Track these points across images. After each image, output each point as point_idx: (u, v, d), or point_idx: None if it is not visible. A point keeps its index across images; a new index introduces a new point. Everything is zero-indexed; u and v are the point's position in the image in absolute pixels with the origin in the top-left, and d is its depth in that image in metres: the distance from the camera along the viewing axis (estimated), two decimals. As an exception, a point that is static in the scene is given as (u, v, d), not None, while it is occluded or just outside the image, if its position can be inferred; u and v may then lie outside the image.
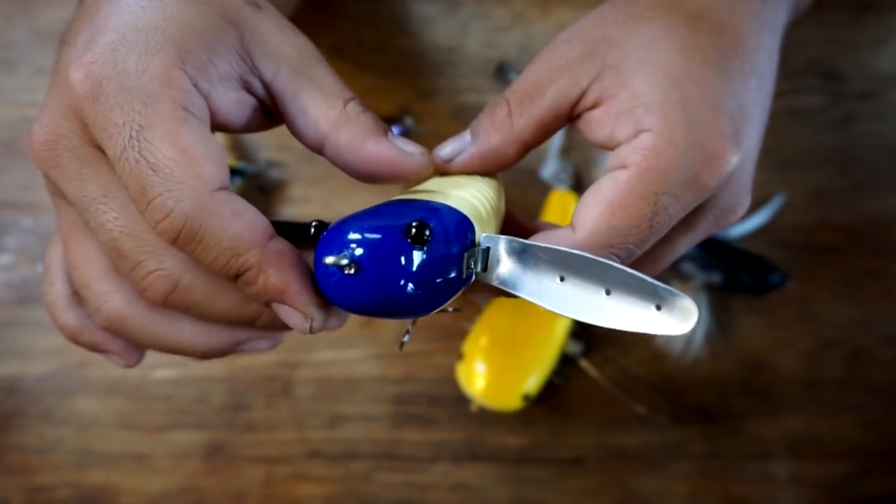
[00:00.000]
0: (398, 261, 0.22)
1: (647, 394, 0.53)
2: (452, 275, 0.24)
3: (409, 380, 0.53)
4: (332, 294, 0.23)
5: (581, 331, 0.53)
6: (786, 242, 0.53)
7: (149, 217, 0.23)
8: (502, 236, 0.25)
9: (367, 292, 0.23)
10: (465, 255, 0.24)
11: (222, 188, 0.23)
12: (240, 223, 0.23)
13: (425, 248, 0.23)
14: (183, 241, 0.23)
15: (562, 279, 0.24)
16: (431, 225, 0.23)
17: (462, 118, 0.55)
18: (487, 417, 0.52)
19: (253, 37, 0.27)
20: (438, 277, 0.23)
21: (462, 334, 0.53)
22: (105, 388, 0.53)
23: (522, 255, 0.25)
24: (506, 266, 0.25)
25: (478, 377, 0.50)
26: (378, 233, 0.23)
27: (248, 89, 0.27)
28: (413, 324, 0.29)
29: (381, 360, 0.53)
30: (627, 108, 0.27)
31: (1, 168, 0.55)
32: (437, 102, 0.55)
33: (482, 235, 0.26)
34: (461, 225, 0.25)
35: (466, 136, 0.30)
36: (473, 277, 0.26)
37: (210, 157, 0.23)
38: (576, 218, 0.27)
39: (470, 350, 0.51)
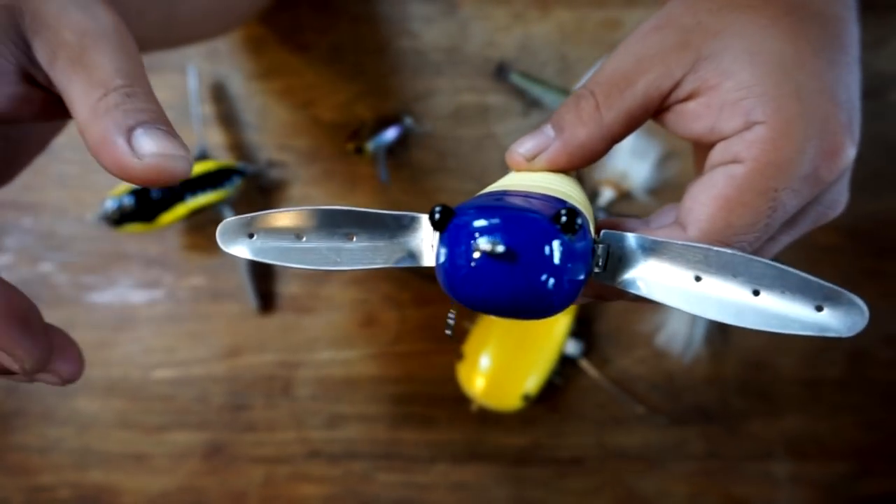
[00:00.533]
0: (550, 251, 0.21)
1: (647, 394, 0.53)
2: (582, 275, 0.22)
3: (408, 380, 0.53)
4: (463, 285, 0.21)
5: (581, 331, 0.53)
6: (786, 242, 0.53)
7: None
8: (628, 233, 0.23)
9: (510, 283, 0.21)
10: (592, 252, 0.23)
11: None
12: None
13: (573, 239, 0.21)
14: None
15: (698, 279, 0.23)
16: (580, 214, 0.21)
17: (462, 118, 0.55)
18: (487, 417, 0.52)
19: (33, 22, 0.23)
20: (576, 274, 0.22)
21: (462, 334, 0.53)
22: (105, 388, 0.53)
23: (651, 254, 0.23)
24: (631, 265, 0.23)
25: (478, 377, 0.50)
26: (529, 218, 0.21)
27: (34, 81, 0.24)
28: (454, 312, 0.27)
29: (381, 359, 0.54)
30: (734, 100, 0.25)
31: (1, 168, 0.55)
32: (437, 102, 0.55)
33: (602, 232, 0.24)
34: (584, 219, 0.23)
35: (548, 130, 0.28)
36: (589, 278, 0.23)
37: None
38: (687, 214, 0.26)
39: (470, 350, 0.51)
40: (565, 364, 0.52)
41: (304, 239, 0.24)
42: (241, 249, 0.24)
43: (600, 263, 0.23)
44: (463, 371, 0.51)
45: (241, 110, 0.55)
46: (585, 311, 0.53)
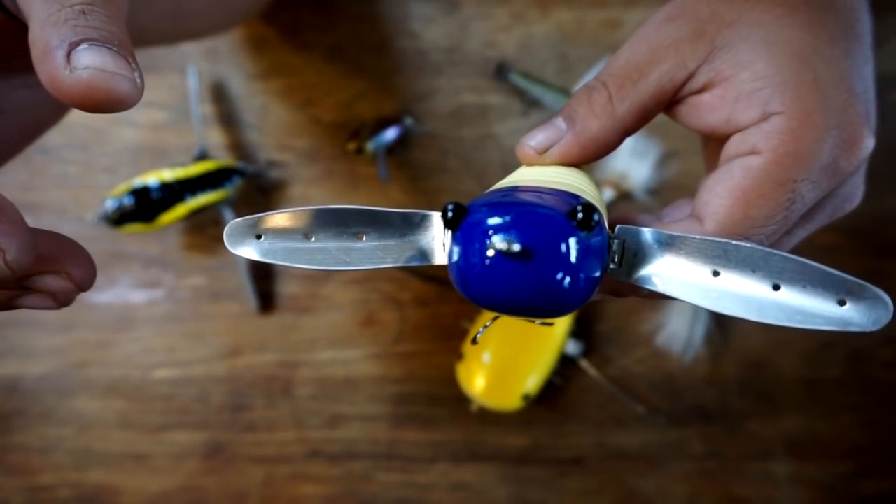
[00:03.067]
0: (566, 249, 0.20)
1: (647, 394, 0.53)
2: (598, 272, 0.21)
3: (409, 380, 0.53)
4: (477, 284, 0.21)
5: (581, 331, 0.53)
6: (786, 242, 0.53)
7: None
8: (644, 227, 0.23)
9: (526, 282, 0.20)
10: (608, 248, 0.22)
11: None
12: None
13: (589, 236, 0.20)
14: None
15: (716, 274, 0.22)
16: (596, 209, 0.20)
17: (462, 118, 0.55)
18: (487, 417, 0.52)
19: None
20: (592, 271, 0.21)
21: (462, 334, 0.53)
22: (105, 388, 0.53)
23: (668, 249, 0.22)
24: (648, 260, 0.23)
25: (478, 377, 0.50)
26: (545, 216, 0.20)
27: (2, 7, 0.23)
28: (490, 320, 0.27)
29: (381, 360, 0.54)
30: (750, 90, 0.25)
31: (1, 168, 0.55)
32: (437, 102, 0.55)
33: (618, 227, 0.23)
34: (599, 215, 0.22)
35: (559, 123, 0.28)
36: (605, 275, 0.23)
37: None
38: (703, 208, 0.25)
39: (470, 350, 0.51)
40: (565, 364, 0.52)
41: (313, 239, 0.24)
42: (249, 251, 0.24)
43: (616, 259, 0.23)
44: (463, 371, 0.51)
45: (241, 110, 0.55)
46: (585, 311, 0.53)
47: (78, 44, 0.20)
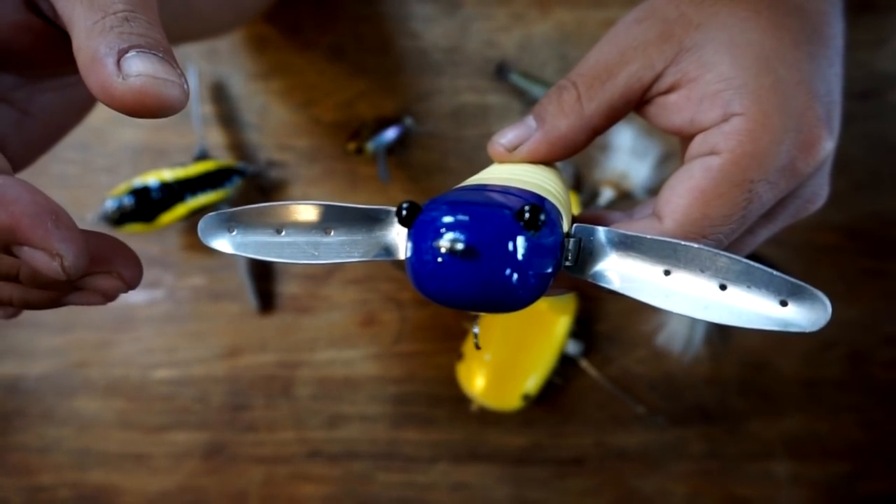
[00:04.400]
0: (513, 247, 0.20)
1: (647, 394, 0.53)
2: (549, 269, 0.22)
3: (409, 380, 0.53)
4: (430, 281, 0.21)
5: (581, 331, 0.53)
6: (785, 242, 0.53)
7: None
8: (598, 227, 0.23)
9: (475, 279, 0.20)
10: (561, 246, 0.23)
11: None
12: None
13: (537, 235, 0.21)
14: None
15: (667, 273, 0.23)
16: (546, 208, 0.21)
17: (462, 118, 0.55)
18: (487, 417, 0.52)
19: None
20: (542, 268, 0.22)
21: (462, 334, 0.53)
22: (105, 388, 0.53)
23: (621, 248, 0.23)
24: (601, 259, 0.23)
25: (478, 377, 0.50)
26: (492, 215, 0.21)
27: (38, 11, 0.24)
28: (477, 321, 0.27)
29: (381, 360, 0.54)
30: (714, 92, 0.26)
31: (1, 168, 0.55)
32: (437, 102, 0.55)
33: (574, 226, 0.24)
34: (555, 214, 0.23)
35: (529, 122, 0.28)
36: (559, 271, 0.24)
37: None
38: (663, 206, 0.26)
39: (470, 350, 0.51)
40: (565, 364, 0.52)
41: (283, 233, 0.25)
42: (223, 244, 0.25)
43: (569, 257, 0.23)
44: (463, 371, 0.51)
45: (241, 110, 0.55)
46: (585, 311, 0.53)
47: (126, 51, 0.21)
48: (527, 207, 0.20)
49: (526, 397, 0.49)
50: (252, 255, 0.25)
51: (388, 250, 0.24)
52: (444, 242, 0.20)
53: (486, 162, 0.57)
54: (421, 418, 0.53)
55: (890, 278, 0.53)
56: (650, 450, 0.53)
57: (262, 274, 0.54)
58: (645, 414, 0.52)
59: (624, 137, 0.53)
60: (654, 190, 0.53)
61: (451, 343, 0.53)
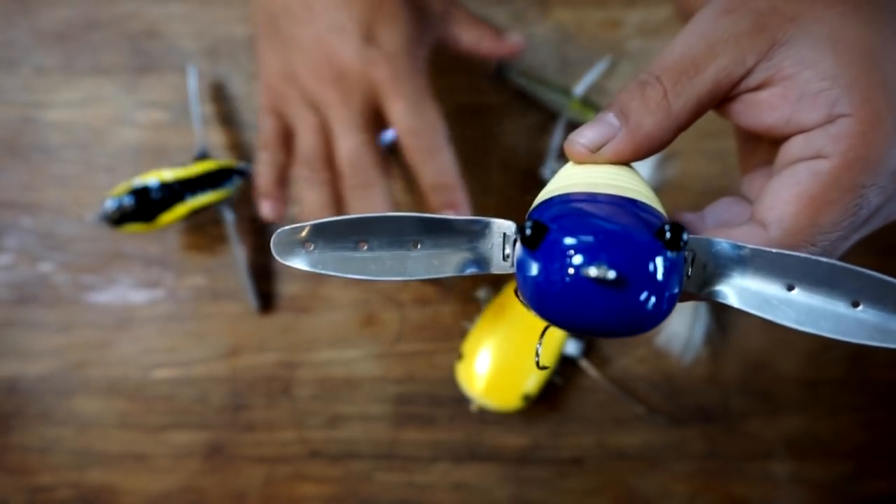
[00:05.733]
0: (654, 270, 0.19)
1: (647, 394, 0.53)
2: (677, 289, 0.21)
3: (409, 380, 0.53)
4: (557, 303, 0.20)
5: (581, 331, 0.53)
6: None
7: None
8: (715, 238, 0.22)
9: (611, 306, 0.19)
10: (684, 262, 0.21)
11: None
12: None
13: (677, 256, 0.20)
14: None
15: (790, 288, 0.21)
16: (684, 227, 0.20)
17: (462, 118, 0.54)
18: (487, 417, 0.52)
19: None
20: (673, 288, 0.20)
21: (462, 334, 0.53)
22: (105, 388, 0.53)
23: (741, 261, 0.22)
24: (719, 273, 0.22)
25: (478, 377, 0.50)
26: (636, 237, 0.20)
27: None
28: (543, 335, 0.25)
29: (382, 360, 0.54)
30: (815, 90, 0.24)
31: (1, 168, 0.55)
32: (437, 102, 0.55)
33: (687, 237, 0.22)
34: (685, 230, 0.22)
35: (611, 119, 0.26)
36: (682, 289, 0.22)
37: None
38: (767, 213, 0.25)
39: (470, 350, 0.51)
40: (565, 364, 0.52)
41: (366, 248, 0.23)
42: (298, 261, 0.23)
43: (689, 273, 0.22)
44: (463, 371, 0.51)
45: (241, 110, 0.55)
46: (585, 311, 0.53)
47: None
48: (667, 227, 0.20)
49: (526, 397, 0.49)
50: (332, 272, 0.23)
51: (481, 263, 0.23)
52: (592, 271, 0.19)
53: (486, 162, 0.57)
54: (421, 418, 0.53)
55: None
56: (650, 450, 0.53)
57: (262, 274, 0.54)
58: (645, 414, 0.52)
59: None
60: (654, 190, 0.53)
61: (451, 343, 0.53)
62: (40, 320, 0.54)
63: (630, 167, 0.27)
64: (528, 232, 0.20)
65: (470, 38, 0.47)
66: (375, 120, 0.44)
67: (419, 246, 0.23)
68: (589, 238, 0.20)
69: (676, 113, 0.26)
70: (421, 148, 0.44)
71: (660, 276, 0.20)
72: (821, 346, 0.53)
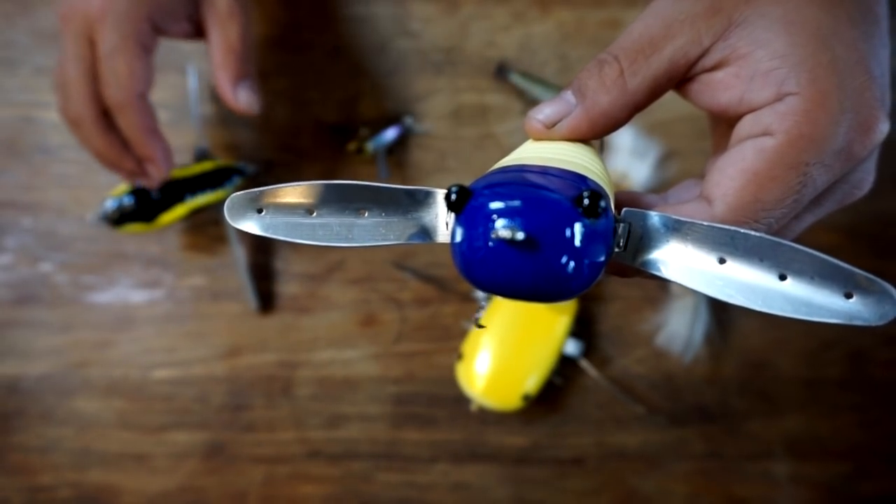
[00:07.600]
0: (571, 235, 0.20)
1: (647, 394, 0.53)
2: (602, 257, 0.21)
3: (409, 380, 0.53)
4: (480, 269, 0.20)
5: (581, 331, 0.53)
6: (786, 242, 0.53)
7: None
8: (650, 211, 0.22)
9: (529, 268, 0.20)
10: (613, 231, 0.22)
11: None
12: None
13: (595, 223, 0.20)
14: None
15: (722, 261, 0.22)
16: (604, 194, 0.20)
17: (462, 118, 0.55)
18: (487, 417, 0.52)
19: None
20: (596, 256, 0.21)
21: (462, 334, 0.53)
22: (105, 388, 0.53)
23: (673, 234, 0.22)
24: (652, 245, 0.22)
25: (478, 377, 0.50)
26: (550, 203, 0.20)
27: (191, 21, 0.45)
28: (487, 300, 0.26)
29: (381, 360, 0.54)
30: (766, 70, 0.24)
31: (1, 168, 0.55)
32: (437, 102, 0.55)
33: (624, 210, 0.23)
34: (606, 198, 0.22)
35: (568, 97, 0.27)
36: (610, 258, 0.22)
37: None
38: (713, 189, 0.25)
39: (470, 350, 0.51)
40: (565, 364, 0.52)
41: (315, 214, 0.24)
42: (250, 225, 0.24)
43: (621, 243, 0.23)
44: (463, 371, 0.51)
45: (241, 110, 0.55)
46: (585, 311, 0.53)
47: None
48: (586, 194, 0.20)
49: (526, 397, 0.49)
50: (282, 236, 0.24)
51: (426, 232, 0.24)
52: (503, 232, 0.19)
53: (486, 162, 0.57)
54: (421, 418, 0.53)
55: (890, 278, 0.53)
56: (650, 450, 0.53)
57: (262, 274, 0.54)
58: (645, 414, 0.52)
59: (624, 137, 0.53)
60: (654, 190, 0.53)
61: (450, 343, 0.53)
62: (40, 320, 0.54)
63: (589, 146, 0.28)
64: (454, 197, 0.21)
65: (216, 58, 0.46)
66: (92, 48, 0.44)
67: (367, 214, 0.24)
68: (506, 201, 0.20)
69: (632, 91, 0.26)
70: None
71: (577, 241, 0.20)
72: (820, 345, 0.53)
